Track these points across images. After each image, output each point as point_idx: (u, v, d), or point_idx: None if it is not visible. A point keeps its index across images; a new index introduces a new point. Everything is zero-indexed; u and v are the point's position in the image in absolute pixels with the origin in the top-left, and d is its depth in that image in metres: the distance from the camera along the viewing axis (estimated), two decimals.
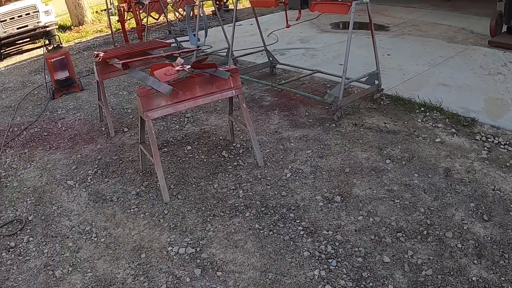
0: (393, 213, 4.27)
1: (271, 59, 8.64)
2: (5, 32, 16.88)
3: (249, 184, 5.02)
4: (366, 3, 6.03)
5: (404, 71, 7.88)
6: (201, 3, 9.60)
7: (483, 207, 4.27)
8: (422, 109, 6.29)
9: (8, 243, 4.73)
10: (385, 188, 4.67)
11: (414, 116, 6.17)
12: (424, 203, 4.38)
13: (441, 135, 5.62)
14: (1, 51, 17.80)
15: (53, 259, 4.34)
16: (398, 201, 4.44)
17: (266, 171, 5.23)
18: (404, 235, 4.01)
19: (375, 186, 4.72)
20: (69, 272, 4.14)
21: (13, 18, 17.01)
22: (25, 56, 17.21)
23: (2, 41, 17.26)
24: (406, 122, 6.02)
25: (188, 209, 4.74)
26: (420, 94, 6.63)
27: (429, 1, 14.80)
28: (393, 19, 12.62)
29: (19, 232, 4.88)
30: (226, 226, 4.38)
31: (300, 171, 5.15)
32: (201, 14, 9.71)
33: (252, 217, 4.45)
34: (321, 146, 5.65)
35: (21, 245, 4.66)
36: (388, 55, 8.92)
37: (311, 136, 5.93)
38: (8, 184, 6.04)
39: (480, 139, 5.45)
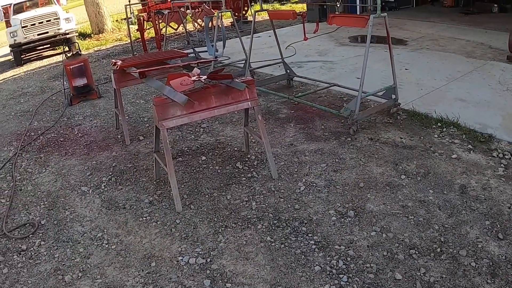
0: (406, 230, 4.22)
1: (288, 71, 8.64)
2: (25, 37, 17.12)
3: (262, 196, 5.00)
4: (384, 17, 6.01)
5: (422, 86, 7.83)
6: (219, 14, 9.65)
7: (499, 225, 4.20)
8: (439, 124, 6.23)
9: (20, 246, 4.76)
10: (399, 204, 4.62)
11: (430, 132, 6.12)
12: (439, 220, 4.32)
13: (457, 151, 5.56)
14: (22, 56, 18.04)
15: (64, 264, 4.36)
16: (412, 217, 4.38)
17: (280, 184, 5.20)
18: (417, 252, 3.96)
19: (389, 201, 4.67)
20: (79, 277, 4.15)
21: (34, 24, 17.24)
22: (44, 62, 17.42)
23: (23, 47, 17.48)
24: (422, 138, 5.97)
25: (200, 219, 4.73)
26: (437, 109, 6.58)
27: (448, 16, 14.77)
28: (411, 33, 12.58)
29: (31, 235, 4.92)
30: (238, 237, 4.36)
31: (314, 184, 5.12)
32: (220, 25, 9.76)
33: (264, 230, 4.42)
34: (336, 160, 5.62)
35: (32, 249, 4.68)
36: (406, 69, 8.88)
37: (326, 149, 5.90)
38: (23, 188, 6.09)
39: (497, 155, 5.38)
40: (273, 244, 4.21)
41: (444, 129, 6.10)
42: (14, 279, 4.26)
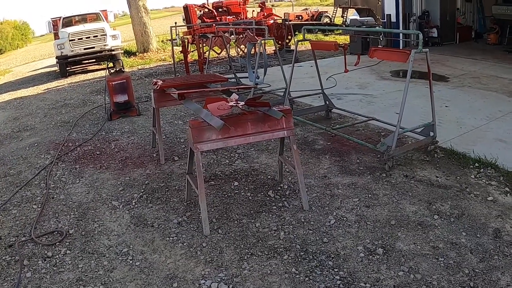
0: (435, 272, 4.12)
1: (327, 102, 8.62)
2: (72, 51, 17.60)
3: (291, 226, 4.95)
4: (426, 52, 5.96)
5: (461, 124, 7.71)
6: (262, 41, 9.72)
7: None
8: (477, 164, 6.11)
9: (46, 252, 4.84)
10: (430, 244, 4.51)
11: (467, 172, 6.00)
12: (469, 264, 4.20)
13: (494, 194, 5.43)
14: (67, 68, 18.51)
15: (87, 275, 4.39)
16: (442, 259, 4.27)
17: (310, 216, 5.16)
18: None
19: (420, 241, 4.57)
20: None
21: (82, 38, 17.74)
22: (88, 76, 17.83)
23: (69, 59, 17.95)
24: (458, 178, 5.86)
25: (227, 244, 4.70)
26: (476, 149, 6.46)
27: (491, 54, 14.60)
28: (453, 70, 12.45)
29: (58, 243, 4.99)
30: (263, 266, 4.32)
31: (344, 218, 5.06)
32: (262, 52, 9.82)
33: (290, 261, 4.37)
34: (369, 195, 5.55)
35: (57, 256, 4.75)
36: (446, 106, 8.77)
37: (360, 184, 5.84)
38: (55, 196, 6.20)
39: None
40: (297, 276, 4.15)
41: (482, 170, 5.97)
42: (36, 284, 4.32)
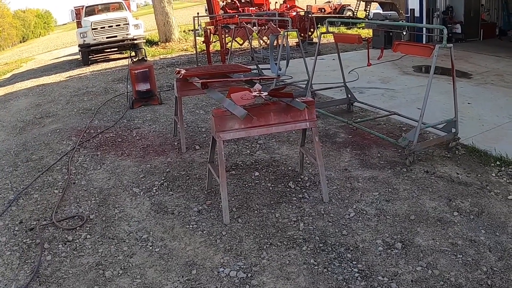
0: (453, 268, 4.10)
1: (349, 96, 8.60)
2: (95, 39, 17.75)
3: (311, 218, 4.97)
4: (450, 47, 5.92)
5: (483, 122, 7.65)
6: (285, 33, 9.71)
7: None
8: (498, 163, 6.06)
9: (66, 236, 4.91)
10: (449, 241, 4.49)
11: (488, 170, 5.96)
12: (488, 262, 4.17)
13: None
14: (89, 56, 18.66)
15: (106, 260, 4.46)
16: (461, 256, 4.25)
17: (330, 208, 5.17)
18: None
19: (438, 237, 4.55)
20: (119, 274, 4.23)
21: (104, 27, 17.86)
22: (111, 64, 17.93)
23: (91, 48, 18.09)
24: (479, 175, 5.83)
25: (246, 233, 4.74)
26: (497, 147, 6.40)
27: None
28: (477, 67, 12.32)
29: (78, 228, 5.07)
30: (282, 256, 4.34)
31: (364, 212, 5.06)
32: (285, 44, 9.81)
33: (309, 252, 4.38)
34: (389, 189, 5.54)
35: (78, 241, 4.82)
36: (468, 103, 8.70)
37: (380, 178, 5.83)
38: (77, 182, 6.28)
39: None
40: (316, 267, 4.17)
41: (503, 168, 5.93)
42: (56, 267, 4.39)
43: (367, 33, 20.15)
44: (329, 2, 35.12)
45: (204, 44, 15.77)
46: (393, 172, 5.98)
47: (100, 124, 8.94)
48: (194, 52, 16.21)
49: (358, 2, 33.05)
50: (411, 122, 7.43)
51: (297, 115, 5.00)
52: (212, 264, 4.29)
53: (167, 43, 22.00)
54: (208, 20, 22.18)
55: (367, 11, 32.62)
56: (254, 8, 22.60)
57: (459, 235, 4.58)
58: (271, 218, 4.99)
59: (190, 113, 9.12)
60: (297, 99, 5.00)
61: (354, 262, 4.22)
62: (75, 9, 24.21)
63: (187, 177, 6.14)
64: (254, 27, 16.12)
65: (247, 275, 4.11)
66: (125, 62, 15.97)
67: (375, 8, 32.24)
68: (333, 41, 8.61)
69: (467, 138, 6.81)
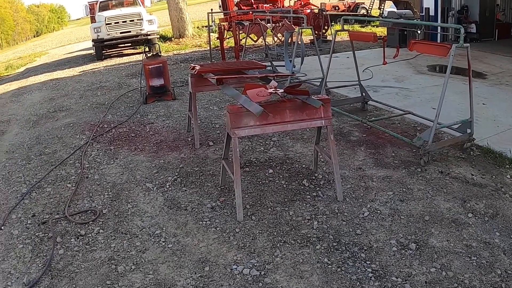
0: (467, 270, 4.07)
1: (363, 94, 8.56)
2: (108, 34, 17.82)
3: (325, 216, 4.95)
4: (467, 47, 5.87)
5: (498, 123, 7.58)
6: (300, 30, 9.69)
7: None
8: None
9: (79, 230, 4.94)
10: (463, 242, 4.45)
11: (503, 171, 5.91)
12: (502, 265, 4.13)
13: None
14: (103, 51, 18.74)
15: (119, 255, 4.47)
16: (475, 258, 4.21)
17: (344, 207, 5.14)
18: None
19: (453, 239, 4.51)
20: (132, 269, 4.24)
21: (118, 22, 17.91)
22: (124, 59, 17.99)
23: (105, 43, 18.17)
24: (494, 177, 5.77)
25: (260, 231, 4.72)
26: None
27: None
28: (492, 67, 12.20)
29: (91, 222, 5.09)
30: (295, 255, 4.32)
31: (378, 211, 5.03)
32: (299, 42, 9.79)
33: (323, 251, 4.36)
34: (404, 189, 5.50)
35: (90, 235, 4.84)
36: (483, 104, 8.62)
37: (394, 177, 5.80)
38: (90, 176, 6.31)
39: None
40: (329, 266, 4.15)
41: None
42: (68, 261, 4.41)
43: (381, 31, 20.05)
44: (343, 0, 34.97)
45: (218, 40, 15.77)
46: (407, 172, 5.94)
47: (113, 119, 8.97)
48: (208, 48, 16.22)
49: (372, 0, 32.90)
50: (425, 122, 7.39)
51: (313, 112, 4.98)
52: (225, 261, 4.29)
53: (180, 39, 22.02)
54: (222, 16, 22.16)
55: (381, 10, 32.45)
56: (268, 5, 22.53)
57: (473, 237, 4.54)
58: (284, 216, 4.98)
59: (204, 109, 9.13)
60: (313, 97, 4.98)
61: (368, 262, 4.19)
62: (89, 4, 24.27)
63: (201, 173, 6.14)
64: (269, 24, 16.08)
65: (260, 272, 4.10)
66: (139, 57, 16.01)
67: (389, 7, 32.07)
68: (347, 39, 8.61)
69: (482, 139, 6.76)
